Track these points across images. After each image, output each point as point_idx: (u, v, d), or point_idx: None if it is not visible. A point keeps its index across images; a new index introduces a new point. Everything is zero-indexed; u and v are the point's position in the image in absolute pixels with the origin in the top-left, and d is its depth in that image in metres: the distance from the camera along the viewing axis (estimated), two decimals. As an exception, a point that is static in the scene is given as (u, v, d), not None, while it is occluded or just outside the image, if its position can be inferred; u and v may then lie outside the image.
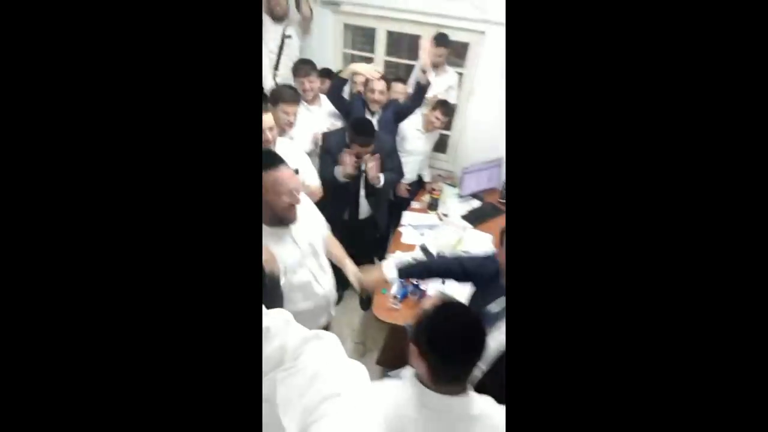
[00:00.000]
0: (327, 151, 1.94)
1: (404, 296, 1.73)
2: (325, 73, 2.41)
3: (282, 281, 0.84)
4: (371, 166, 1.88)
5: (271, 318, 0.60)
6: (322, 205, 1.55)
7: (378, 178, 1.94)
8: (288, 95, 1.79)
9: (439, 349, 0.75)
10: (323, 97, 2.23)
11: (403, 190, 2.46)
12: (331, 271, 1.47)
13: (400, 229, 2.20)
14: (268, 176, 1.07)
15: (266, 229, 1.16)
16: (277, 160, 1.12)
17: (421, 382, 0.79)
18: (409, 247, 2.05)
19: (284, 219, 1.17)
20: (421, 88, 2.17)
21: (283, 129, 1.79)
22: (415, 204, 2.44)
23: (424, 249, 2.03)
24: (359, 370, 0.59)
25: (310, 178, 1.80)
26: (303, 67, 2.08)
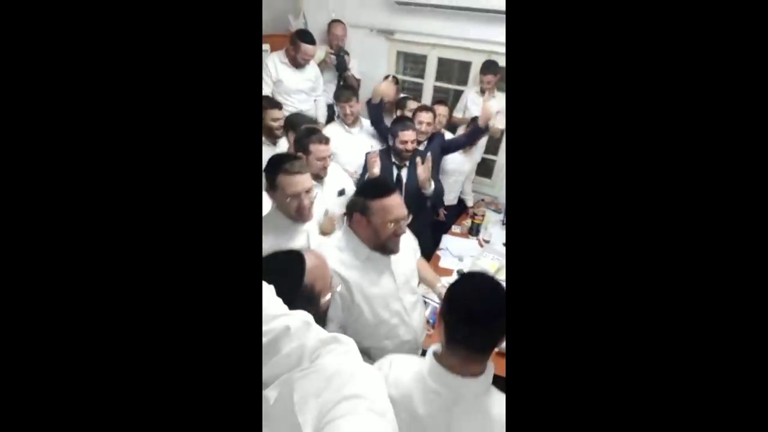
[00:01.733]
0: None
1: (435, 322, 1.71)
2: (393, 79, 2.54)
3: (324, 299, 0.83)
4: (423, 169, 1.85)
5: (292, 318, 0.62)
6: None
7: (429, 182, 1.90)
8: (318, 137, 1.62)
9: (456, 308, 0.77)
10: (364, 120, 2.31)
11: (440, 215, 2.46)
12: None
13: (438, 252, 2.18)
14: (377, 203, 1.08)
15: (367, 253, 1.14)
16: (389, 187, 1.13)
17: (437, 359, 0.79)
18: (446, 272, 2.02)
19: (387, 248, 1.13)
20: (478, 131, 2.13)
21: (318, 175, 1.64)
22: (455, 228, 2.41)
23: (461, 275, 1.99)
24: (375, 374, 0.59)
25: None
26: (344, 93, 2.19)
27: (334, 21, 2.62)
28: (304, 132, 1.67)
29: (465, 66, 2.85)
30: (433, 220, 2.38)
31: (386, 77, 2.61)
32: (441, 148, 2.19)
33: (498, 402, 0.78)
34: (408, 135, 1.90)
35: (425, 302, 1.78)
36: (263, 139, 1.96)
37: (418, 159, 1.87)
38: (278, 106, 1.98)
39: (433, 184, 1.93)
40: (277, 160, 1.24)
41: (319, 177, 1.65)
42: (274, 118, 1.94)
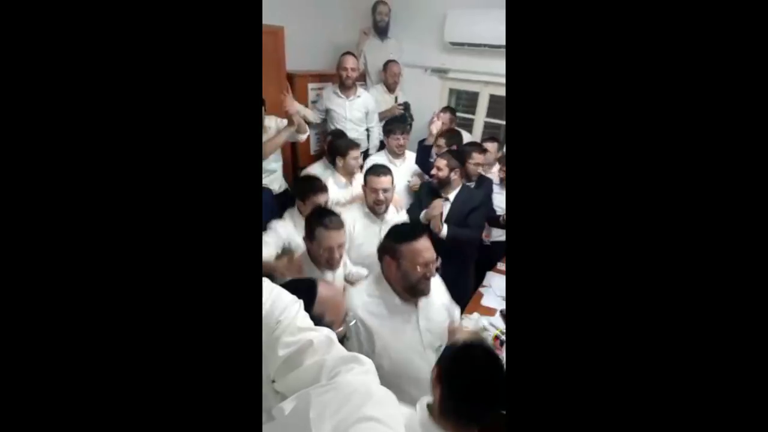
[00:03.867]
0: (417, 198, 2.03)
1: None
2: (450, 110, 2.67)
3: (337, 331, 0.85)
4: (435, 213, 1.82)
5: (317, 333, 0.63)
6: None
7: (440, 227, 1.85)
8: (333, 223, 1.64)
9: (452, 380, 0.76)
10: (408, 153, 2.37)
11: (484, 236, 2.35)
12: None
13: (481, 289, 2.10)
14: (407, 247, 1.11)
15: (397, 302, 1.14)
16: (417, 231, 1.17)
17: (430, 412, 0.78)
18: (489, 311, 1.93)
19: (417, 290, 1.14)
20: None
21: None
22: (501, 266, 2.32)
23: (504, 315, 1.90)
24: (392, 399, 0.58)
25: None
26: (397, 125, 2.29)
27: (390, 61, 2.78)
28: (370, 168, 1.80)
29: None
30: (476, 255, 2.29)
31: (443, 108, 2.70)
32: (485, 208, 2.05)
33: None
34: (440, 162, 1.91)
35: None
36: (342, 179, 2.04)
37: (435, 201, 1.84)
38: (356, 145, 2.06)
39: (445, 227, 1.87)
40: (319, 214, 1.34)
41: (375, 211, 1.76)
42: (355, 157, 2.04)
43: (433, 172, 1.96)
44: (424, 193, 2.03)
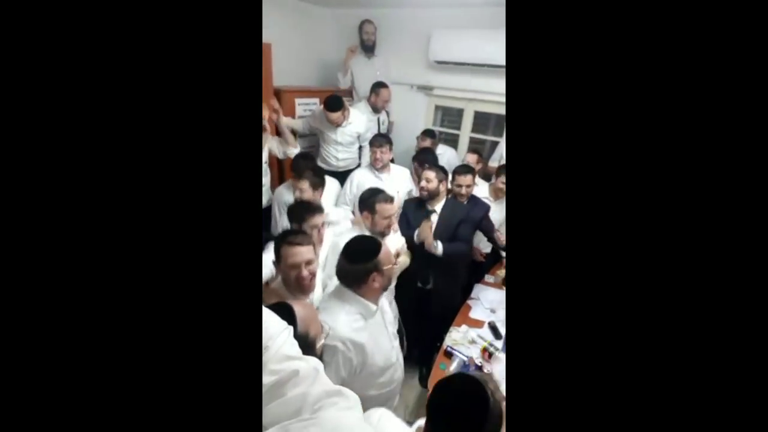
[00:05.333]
0: (404, 215, 2.04)
1: (464, 376, 1.61)
2: (429, 134, 2.72)
3: (319, 344, 0.86)
4: (425, 233, 1.87)
5: (303, 363, 0.61)
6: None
7: (434, 245, 1.89)
8: (384, 197, 1.72)
9: (434, 409, 0.77)
10: (393, 167, 2.39)
11: (478, 255, 2.36)
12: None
13: (469, 302, 2.10)
14: (382, 256, 1.17)
15: (373, 309, 1.20)
16: (378, 243, 1.22)
17: None
18: (477, 323, 1.93)
19: (387, 287, 1.24)
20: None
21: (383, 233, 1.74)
22: (488, 278, 2.33)
23: (493, 328, 1.90)
24: None
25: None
26: (378, 140, 2.31)
27: (381, 86, 2.75)
28: (369, 192, 1.79)
29: (500, 119, 2.92)
30: (468, 265, 2.30)
31: (425, 131, 2.75)
32: (473, 222, 2.08)
33: None
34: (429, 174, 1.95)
35: (451, 353, 1.70)
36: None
37: (425, 222, 1.89)
38: (320, 210, 1.77)
39: (440, 245, 1.90)
40: (283, 234, 1.32)
41: (383, 235, 1.71)
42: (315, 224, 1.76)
43: (423, 184, 1.98)
44: (412, 208, 2.05)
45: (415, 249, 1.95)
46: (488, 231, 2.15)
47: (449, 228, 1.96)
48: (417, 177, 2.35)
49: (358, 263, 1.16)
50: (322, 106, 2.55)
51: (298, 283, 1.25)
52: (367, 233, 1.64)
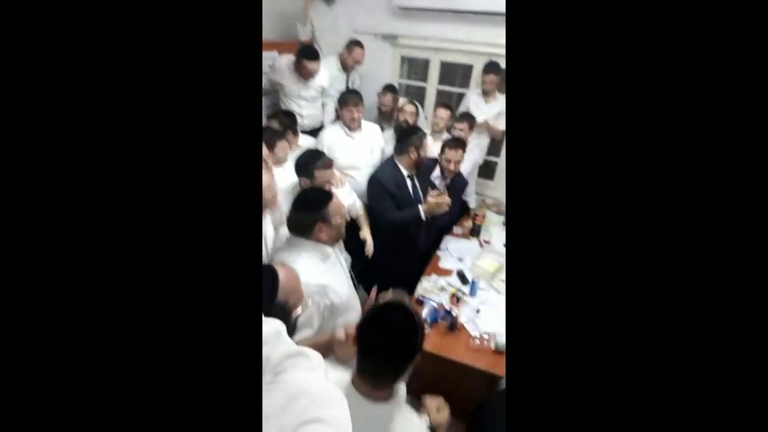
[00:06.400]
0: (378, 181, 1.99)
1: (434, 321, 1.70)
2: (391, 89, 2.64)
3: (296, 312, 0.86)
4: (442, 205, 1.89)
5: (266, 325, 0.61)
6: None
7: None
8: (322, 162, 1.67)
9: (367, 341, 0.80)
10: (365, 124, 2.33)
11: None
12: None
13: (438, 253, 2.18)
14: (331, 206, 1.22)
15: (329, 251, 1.26)
16: (327, 193, 1.27)
17: (352, 381, 0.81)
18: (446, 272, 2.02)
19: (336, 239, 1.30)
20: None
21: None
22: (456, 229, 2.41)
23: (461, 275, 1.99)
24: (338, 396, 0.58)
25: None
26: (351, 97, 2.22)
27: (355, 44, 2.61)
28: (306, 157, 1.68)
29: (467, 69, 2.87)
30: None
31: (385, 87, 2.66)
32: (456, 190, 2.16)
33: (409, 425, 0.80)
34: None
35: (422, 301, 1.79)
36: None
37: (432, 192, 1.90)
38: (283, 136, 1.88)
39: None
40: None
41: None
42: (283, 147, 1.87)
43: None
44: (392, 175, 1.97)
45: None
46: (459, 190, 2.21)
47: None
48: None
49: (305, 212, 1.19)
50: (282, 57, 2.42)
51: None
52: None
